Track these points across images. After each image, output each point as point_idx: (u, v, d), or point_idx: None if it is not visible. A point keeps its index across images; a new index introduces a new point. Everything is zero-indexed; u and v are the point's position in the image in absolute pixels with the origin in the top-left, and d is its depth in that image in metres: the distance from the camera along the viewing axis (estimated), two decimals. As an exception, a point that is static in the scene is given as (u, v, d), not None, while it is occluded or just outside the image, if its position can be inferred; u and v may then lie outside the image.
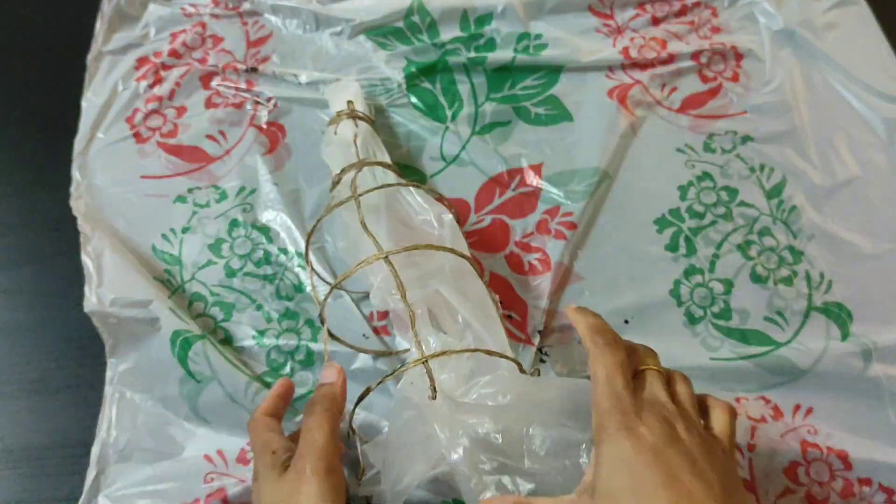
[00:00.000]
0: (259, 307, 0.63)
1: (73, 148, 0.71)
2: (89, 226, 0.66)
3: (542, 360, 0.61)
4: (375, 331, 0.62)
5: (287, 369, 0.61)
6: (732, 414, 0.45)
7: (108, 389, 0.60)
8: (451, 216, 0.57)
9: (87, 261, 0.63)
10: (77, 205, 0.67)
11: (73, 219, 0.66)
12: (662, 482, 0.38)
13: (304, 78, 0.74)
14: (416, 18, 0.77)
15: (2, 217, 0.70)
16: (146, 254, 0.65)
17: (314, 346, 0.62)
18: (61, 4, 0.83)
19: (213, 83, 0.75)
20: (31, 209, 0.70)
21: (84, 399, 0.61)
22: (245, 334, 0.62)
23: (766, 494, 0.55)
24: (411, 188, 0.58)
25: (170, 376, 0.59)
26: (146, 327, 0.60)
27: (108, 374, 0.60)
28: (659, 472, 0.38)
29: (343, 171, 0.60)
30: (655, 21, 0.77)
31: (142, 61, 0.76)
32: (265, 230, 0.66)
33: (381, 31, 0.77)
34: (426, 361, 0.48)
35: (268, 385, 0.59)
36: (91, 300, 0.61)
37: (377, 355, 0.60)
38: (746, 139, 0.71)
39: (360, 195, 0.56)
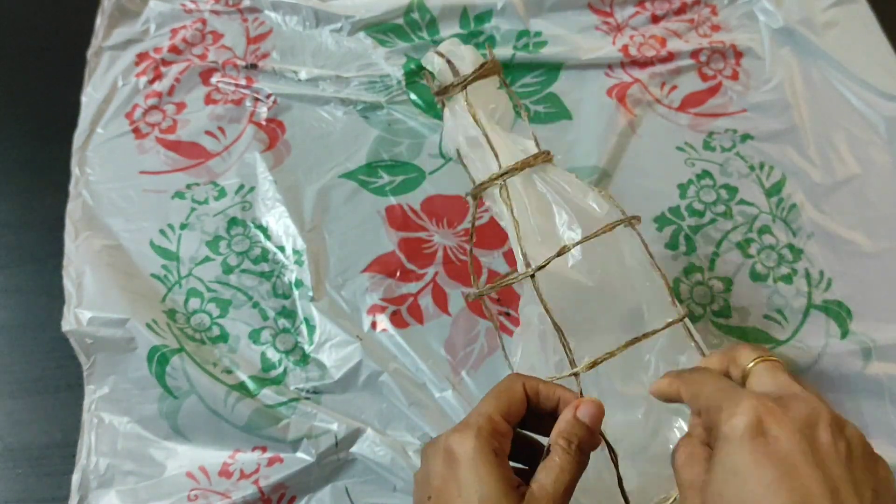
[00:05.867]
0: (255, 304, 0.63)
1: (73, 144, 0.71)
2: (80, 231, 0.66)
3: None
4: (373, 325, 0.62)
5: (280, 369, 0.61)
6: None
7: (85, 416, 0.60)
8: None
9: (67, 282, 0.63)
10: (73, 206, 0.67)
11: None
12: None
13: (303, 74, 0.74)
14: (415, 15, 0.77)
15: (1, 217, 0.70)
16: (143, 249, 0.65)
17: (308, 348, 0.62)
18: (61, 1, 0.83)
19: (213, 79, 0.74)
20: (30, 209, 0.70)
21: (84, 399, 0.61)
22: (240, 331, 0.62)
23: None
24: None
25: (148, 395, 0.59)
26: (122, 347, 0.60)
27: (86, 401, 0.60)
28: (789, 497, 0.32)
29: (480, 185, 0.51)
30: (655, 19, 0.77)
31: (142, 57, 0.76)
32: (263, 228, 0.66)
33: (381, 28, 0.77)
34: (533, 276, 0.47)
35: (249, 393, 0.59)
36: (69, 320, 0.61)
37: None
38: (746, 137, 0.71)
39: (534, 271, 0.47)
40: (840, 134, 0.70)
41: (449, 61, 0.50)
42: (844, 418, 0.35)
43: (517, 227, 0.48)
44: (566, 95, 0.73)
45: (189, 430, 0.58)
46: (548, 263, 0.46)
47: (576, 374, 0.45)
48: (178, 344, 0.60)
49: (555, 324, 0.46)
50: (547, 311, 0.46)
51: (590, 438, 0.41)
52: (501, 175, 0.49)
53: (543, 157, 0.50)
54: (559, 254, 0.46)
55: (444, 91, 0.51)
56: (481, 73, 0.50)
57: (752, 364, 0.39)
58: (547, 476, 0.39)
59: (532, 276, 0.47)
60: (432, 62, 0.51)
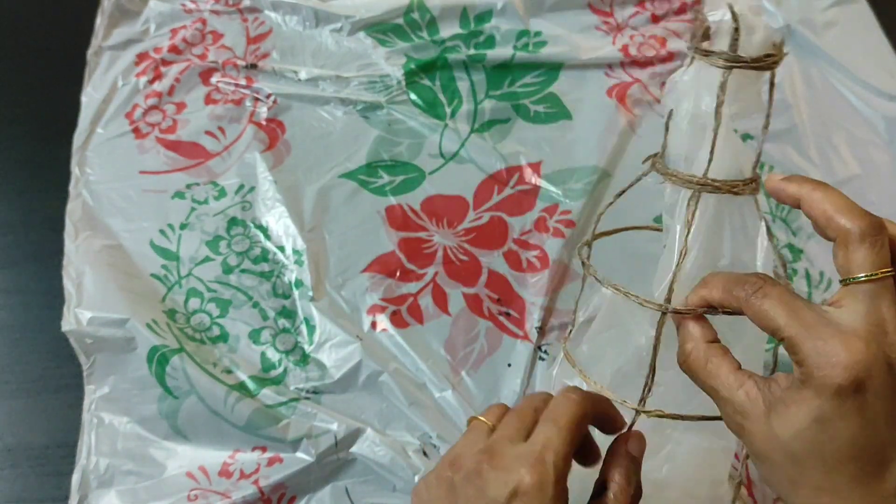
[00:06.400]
0: (255, 304, 0.63)
1: (73, 144, 0.71)
2: (80, 231, 0.66)
3: (540, 358, 0.61)
4: (373, 325, 0.62)
5: (280, 369, 0.61)
6: None
7: (85, 416, 0.59)
8: None
9: (67, 282, 0.63)
10: (73, 206, 0.67)
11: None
12: (863, 474, 0.32)
13: (303, 74, 0.74)
14: (415, 15, 0.77)
15: (1, 216, 0.70)
16: (143, 249, 0.65)
17: (308, 348, 0.62)
18: (61, 1, 0.83)
19: (213, 79, 0.74)
20: (30, 209, 0.70)
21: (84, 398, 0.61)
22: (240, 331, 0.62)
23: (764, 497, 0.55)
24: None
25: (148, 396, 0.59)
26: (122, 347, 0.60)
27: (86, 401, 0.60)
28: (865, 459, 0.32)
29: (674, 174, 0.41)
30: (655, 19, 0.77)
31: (142, 57, 0.76)
32: (263, 228, 0.66)
33: (381, 28, 0.77)
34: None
35: (249, 393, 0.59)
36: (69, 320, 0.61)
37: None
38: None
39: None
40: (840, 134, 0.70)
41: (737, 28, 0.38)
42: None
43: (685, 253, 0.40)
44: (566, 95, 0.73)
45: (189, 430, 0.58)
46: (689, 314, 0.40)
47: (637, 411, 0.42)
48: (178, 344, 0.60)
49: (653, 365, 0.41)
50: (655, 349, 0.41)
51: (639, 473, 0.40)
52: (701, 185, 0.40)
53: (752, 188, 0.41)
54: (707, 312, 0.40)
55: (707, 54, 0.39)
56: (760, 64, 0.39)
57: (862, 278, 0.34)
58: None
59: (663, 314, 0.41)
60: (722, 18, 0.39)
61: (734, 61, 0.38)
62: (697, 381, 0.37)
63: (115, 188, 0.69)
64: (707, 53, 0.39)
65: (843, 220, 0.34)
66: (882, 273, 0.33)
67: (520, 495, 0.36)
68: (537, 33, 0.76)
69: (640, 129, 0.71)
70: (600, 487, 0.39)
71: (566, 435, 0.38)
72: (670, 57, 0.74)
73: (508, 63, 0.74)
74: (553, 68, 0.75)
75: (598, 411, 0.41)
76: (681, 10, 0.78)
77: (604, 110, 0.72)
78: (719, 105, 0.39)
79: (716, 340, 0.38)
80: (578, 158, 0.69)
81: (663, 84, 0.74)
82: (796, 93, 0.72)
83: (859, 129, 0.71)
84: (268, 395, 0.59)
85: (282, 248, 0.65)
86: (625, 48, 0.75)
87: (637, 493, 0.40)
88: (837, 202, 0.35)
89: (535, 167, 0.69)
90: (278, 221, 0.66)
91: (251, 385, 0.59)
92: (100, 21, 0.78)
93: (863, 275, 0.33)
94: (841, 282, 0.35)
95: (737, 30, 0.38)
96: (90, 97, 0.74)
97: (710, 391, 0.37)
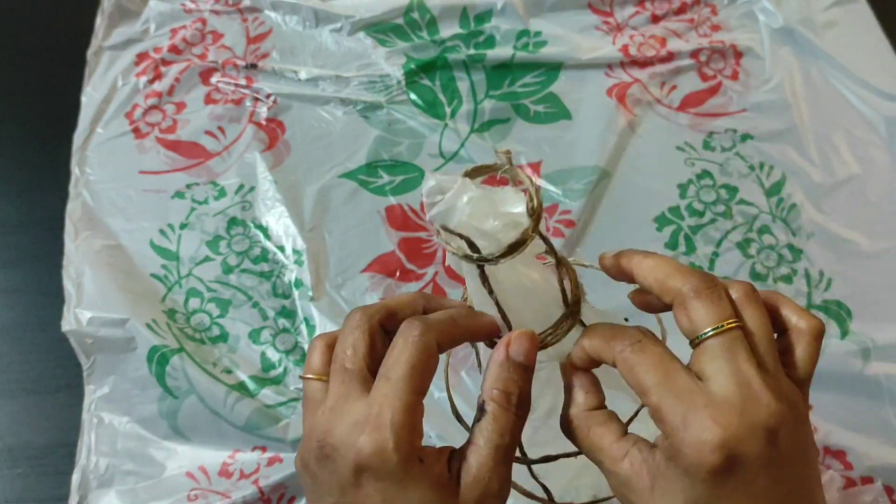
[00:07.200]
0: (255, 304, 0.63)
1: (73, 144, 0.71)
2: (80, 231, 0.66)
3: (540, 358, 0.61)
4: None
5: (280, 368, 0.61)
6: (818, 338, 0.34)
7: (85, 416, 0.60)
8: None
9: (67, 282, 0.63)
10: (73, 206, 0.67)
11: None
12: None
13: (303, 74, 0.74)
14: (415, 15, 0.77)
15: (1, 216, 0.70)
16: (143, 249, 0.65)
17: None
18: (61, 1, 0.83)
19: (213, 79, 0.74)
20: (30, 209, 0.70)
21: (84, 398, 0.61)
22: (240, 331, 0.62)
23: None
24: None
25: (148, 395, 0.59)
26: (122, 347, 0.60)
27: (86, 401, 0.60)
28: None
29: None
30: (655, 19, 0.77)
31: (142, 57, 0.76)
32: (263, 228, 0.66)
33: (381, 28, 0.77)
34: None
35: (249, 393, 0.59)
36: (69, 320, 0.61)
37: None
38: (746, 137, 0.71)
39: None
40: (840, 134, 0.70)
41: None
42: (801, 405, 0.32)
43: None
44: (566, 95, 0.73)
45: (189, 430, 0.58)
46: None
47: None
48: (178, 344, 0.60)
49: None
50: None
51: (529, 382, 0.34)
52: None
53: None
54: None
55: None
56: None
57: (710, 333, 0.31)
58: (486, 445, 0.33)
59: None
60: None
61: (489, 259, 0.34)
62: (581, 450, 0.35)
63: (115, 188, 0.69)
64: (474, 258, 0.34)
65: (675, 282, 0.33)
66: (728, 324, 0.31)
67: (364, 469, 0.32)
68: (537, 33, 0.76)
69: (639, 129, 0.71)
70: (480, 409, 0.34)
71: (403, 385, 0.33)
72: (670, 57, 0.74)
73: (508, 63, 0.74)
74: (553, 68, 0.75)
75: (457, 334, 0.35)
76: (681, 10, 0.78)
77: (604, 110, 0.72)
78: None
79: (601, 406, 0.35)
80: (578, 158, 0.69)
81: (663, 84, 0.74)
82: (796, 93, 0.72)
83: (859, 129, 0.71)
84: (268, 395, 0.59)
85: (282, 248, 0.65)
86: (625, 48, 0.75)
87: (523, 405, 0.34)
88: (666, 267, 0.34)
89: (535, 167, 0.69)
90: (278, 221, 0.66)
91: (251, 385, 0.59)
92: (100, 21, 0.78)
93: (709, 329, 0.31)
94: (691, 344, 0.32)
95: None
96: (90, 97, 0.74)
97: (594, 461, 0.34)
